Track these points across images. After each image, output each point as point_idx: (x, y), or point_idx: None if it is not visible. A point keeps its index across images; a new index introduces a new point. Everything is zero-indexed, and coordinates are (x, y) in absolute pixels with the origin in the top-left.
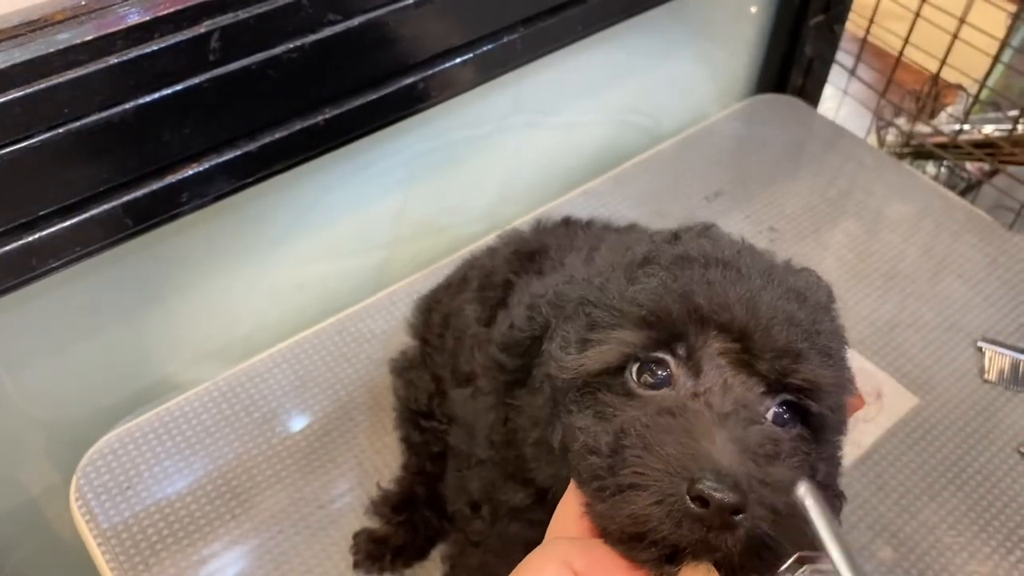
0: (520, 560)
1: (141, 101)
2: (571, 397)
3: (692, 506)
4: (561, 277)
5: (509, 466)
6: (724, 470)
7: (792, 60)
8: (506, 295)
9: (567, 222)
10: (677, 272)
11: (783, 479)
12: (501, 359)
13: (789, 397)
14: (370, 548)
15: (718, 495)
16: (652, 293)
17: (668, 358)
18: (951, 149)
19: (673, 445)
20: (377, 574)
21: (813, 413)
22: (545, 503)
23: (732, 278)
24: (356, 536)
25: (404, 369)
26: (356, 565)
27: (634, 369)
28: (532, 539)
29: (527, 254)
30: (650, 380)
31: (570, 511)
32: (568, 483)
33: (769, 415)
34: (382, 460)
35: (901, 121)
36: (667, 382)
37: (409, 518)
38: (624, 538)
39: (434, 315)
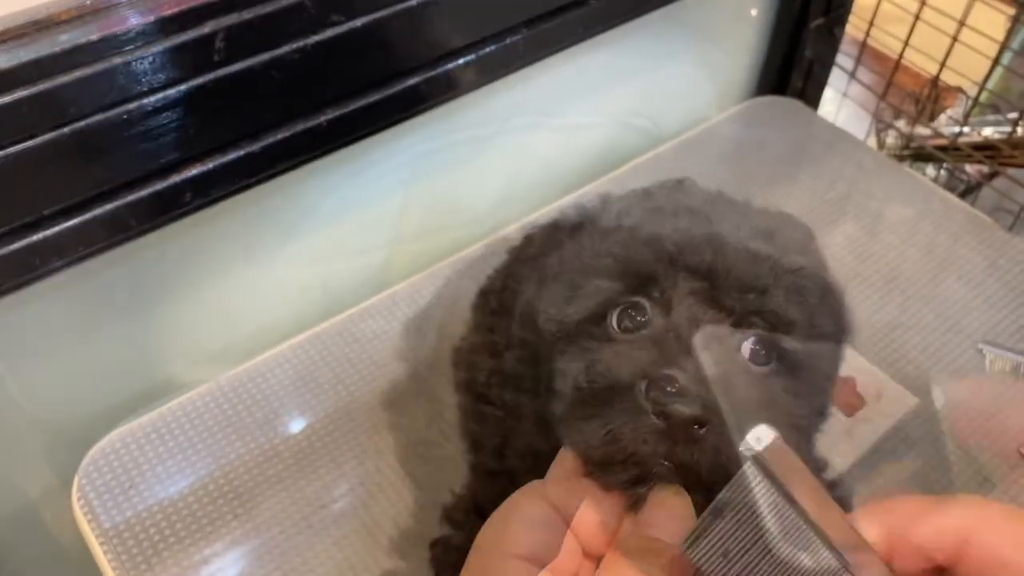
0: None
1: (145, 101)
2: (558, 348)
3: (655, 420)
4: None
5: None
6: (683, 386)
7: (792, 63)
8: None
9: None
10: (646, 221)
11: (751, 403)
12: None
13: (761, 333)
14: (447, 557)
15: (677, 407)
16: (622, 243)
17: (644, 301)
18: (951, 151)
19: (640, 368)
20: None
21: (788, 350)
22: None
23: (700, 223)
24: (432, 547)
25: (467, 353)
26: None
27: (615, 315)
28: None
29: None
30: (629, 325)
31: (561, 457)
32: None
33: (744, 351)
34: (384, 461)
35: (901, 123)
36: (645, 326)
37: (483, 520)
38: (603, 461)
39: (494, 298)
